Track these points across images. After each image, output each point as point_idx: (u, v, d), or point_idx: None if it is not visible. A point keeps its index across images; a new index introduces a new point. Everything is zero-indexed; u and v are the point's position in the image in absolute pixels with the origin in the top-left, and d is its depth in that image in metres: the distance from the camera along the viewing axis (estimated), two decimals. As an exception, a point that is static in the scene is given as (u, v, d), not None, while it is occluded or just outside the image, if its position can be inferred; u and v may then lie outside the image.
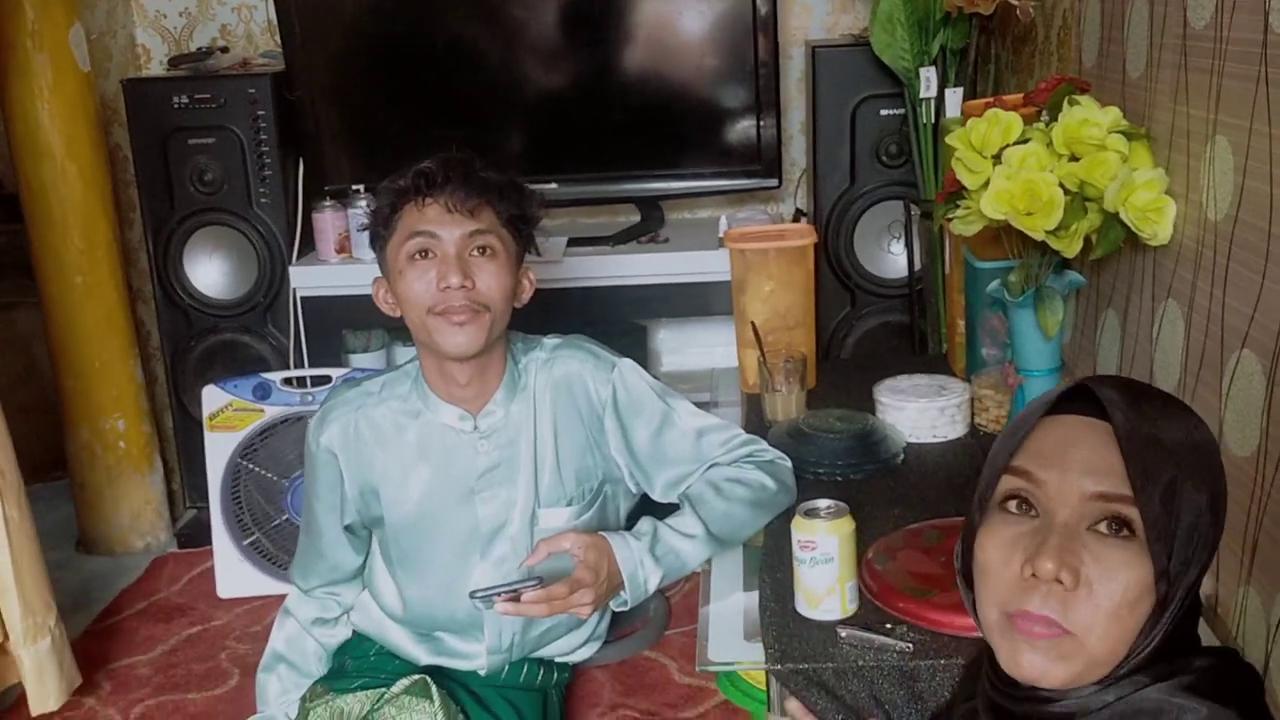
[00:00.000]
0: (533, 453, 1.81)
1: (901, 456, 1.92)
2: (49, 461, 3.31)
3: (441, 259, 1.71)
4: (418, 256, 1.72)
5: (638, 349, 3.09)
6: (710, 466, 1.82)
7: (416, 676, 1.77)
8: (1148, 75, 1.71)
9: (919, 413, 1.98)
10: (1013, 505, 0.96)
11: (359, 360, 3.06)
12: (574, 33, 2.99)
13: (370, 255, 1.83)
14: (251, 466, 2.77)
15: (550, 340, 1.86)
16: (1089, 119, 1.63)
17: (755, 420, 2.10)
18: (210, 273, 3.07)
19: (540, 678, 1.96)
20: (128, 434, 3.10)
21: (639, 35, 2.97)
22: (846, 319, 3.00)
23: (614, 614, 2.02)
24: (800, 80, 3.19)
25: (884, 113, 2.85)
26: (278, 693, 1.93)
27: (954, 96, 2.55)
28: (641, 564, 1.68)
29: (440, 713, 1.72)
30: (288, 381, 2.79)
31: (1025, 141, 1.68)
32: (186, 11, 3.28)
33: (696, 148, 3.00)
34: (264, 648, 1.97)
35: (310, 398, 2.75)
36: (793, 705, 1.34)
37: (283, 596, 2.01)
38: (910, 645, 1.38)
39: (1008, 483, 0.96)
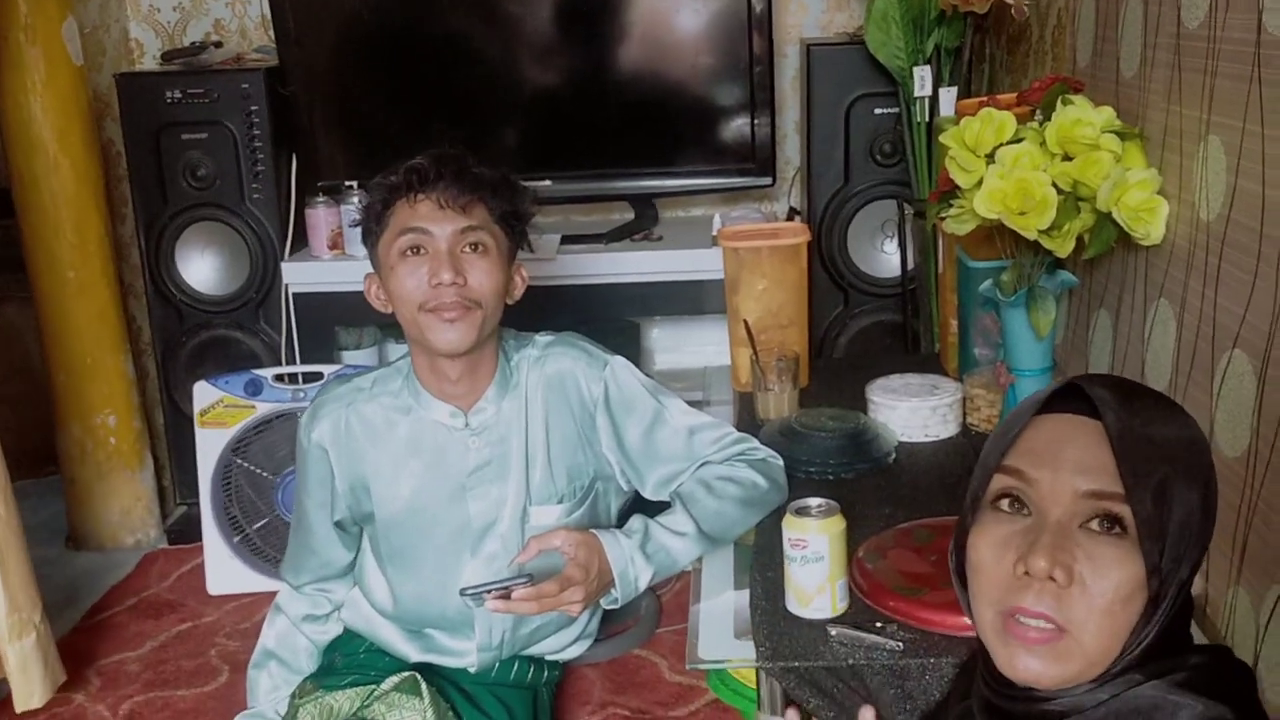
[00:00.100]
0: (524, 450, 1.81)
1: (893, 455, 1.92)
2: (40, 457, 3.30)
3: (433, 255, 1.70)
4: (409, 253, 1.71)
5: (630, 347, 3.09)
6: (702, 465, 1.82)
7: (406, 674, 1.77)
8: (1141, 75, 1.71)
9: (911, 412, 1.98)
10: (1005, 504, 0.96)
11: (351, 357, 3.05)
12: (569, 29, 2.99)
13: (363, 251, 1.82)
14: (242, 463, 2.77)
15: (542, 337, 1.86)
16: (1082, 118, 1.63)
17: (747, 418, 2.10)
18: (202, 268, 3.06)
19: (530, 675, 1.95)
20: (118, 430, 3.10)
21: (634, 33, 2.97)
22: (839, 318, 3.00)
23: (605, 612, 2.02)
24: (795, 79, 3.19)
25: (878, 111, 2.85)
26: (268, 689, 1.93)
27: (948, 95, 2.56)
28: (632, 561, 1.68)
29: (430, 710, 1.72)
30: (279, 378, 2.79)
31: (1019, 141, 1.68)
32: (180, 6, 3.27)
33: (691, 145, 3.00)
34: (254, 644, 1.97)
35: (302, 394, 2.75)
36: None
37: (273, 593, 2.01)
38: (900, 644, 1.38)
39: (1000, 481, 0.96)
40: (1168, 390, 1.60)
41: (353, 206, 2.89)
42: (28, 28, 2.81)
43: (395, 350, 3.11)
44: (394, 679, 1.75)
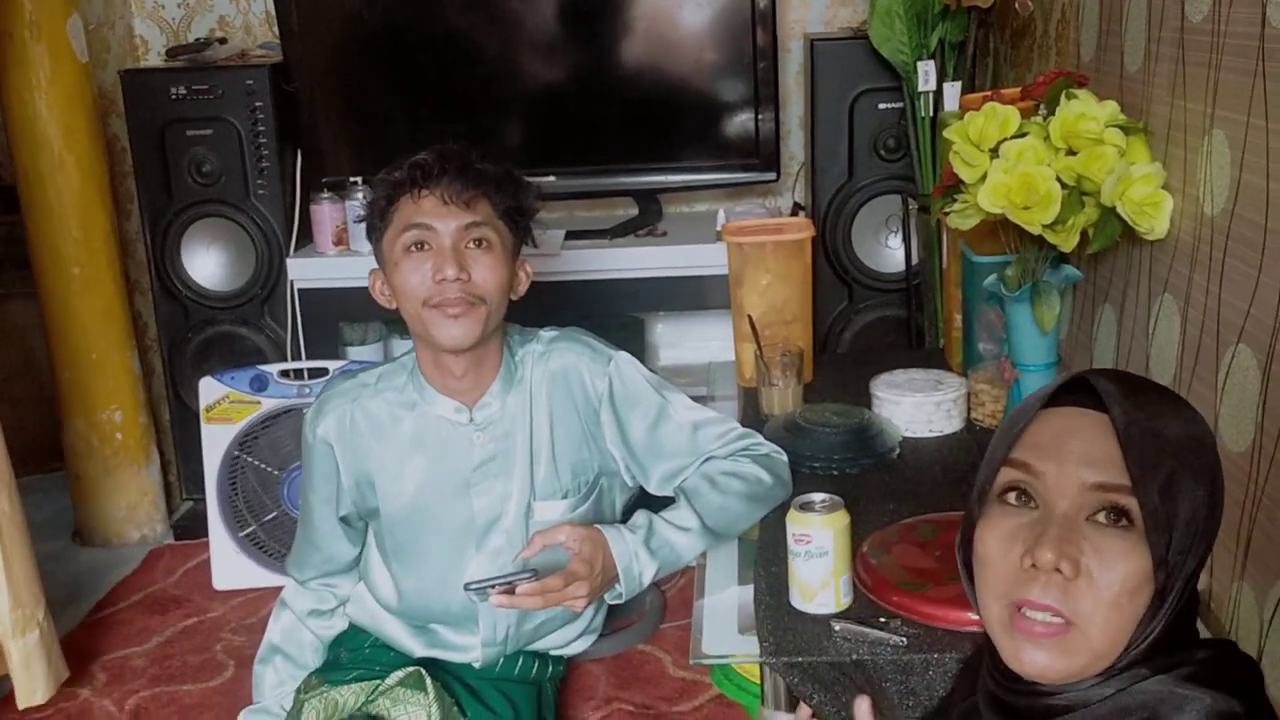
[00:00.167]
0: (528, 445, 1.81)
1: (897, 451, 1.92)
2: (46, 453, 3.31)
3: (437, 251, 1.71)
4: (413, 249, 1.72)
5: (635, 342, 3.09)
6: (706, 460, 1.82)
7: (411, 669, 1.77)
8: (1145, 69, 1.71)
9: (915, 407, 1.98)
10: (1012, 497, 0.96)
11: (356, 353, 3.06)
12: (572, 25, 2.99)
13: (367, 247, 1.82)
14: (248, 458, 2.77)
15: (547, 333, 1.86)
16: (1086, 113, 1.63)
17: (752, 414, 2.10)
18: (207, 264, 3.07)
19: (535, 670, 1.96)
20: (124, 426, 3.10)
21: (638, 28, 2.97)
22: (844, 313, 3.00)
23: (609, 607, 2.02)
24: (799, 74, 3.19)
25: (882, 106, 2.85)
26: (273, 684, 1.93)
27: (952, 90, 2.55)
28: (636, 557, 1.68)
29: (435, 705, 1.72)
30: (285, 374, 2.79)
31: (1023, 135, 1.68)
32: (184, 3, 3.28)
33: (694, 141, 3.00)
34: (260, 640, 1.97)
35: (307, 390, 2.75)
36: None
37: (279, 588, 2.01)
38: (904, 639, 1.38)
39: (1006, 475, 0.96)
40: (1172, 385, 1.60)
41: (357, 202, 2.89)
42: (32, 24, 2.81)
43: (400, 346, 3.12)
44: (399, 674, 1.76)
